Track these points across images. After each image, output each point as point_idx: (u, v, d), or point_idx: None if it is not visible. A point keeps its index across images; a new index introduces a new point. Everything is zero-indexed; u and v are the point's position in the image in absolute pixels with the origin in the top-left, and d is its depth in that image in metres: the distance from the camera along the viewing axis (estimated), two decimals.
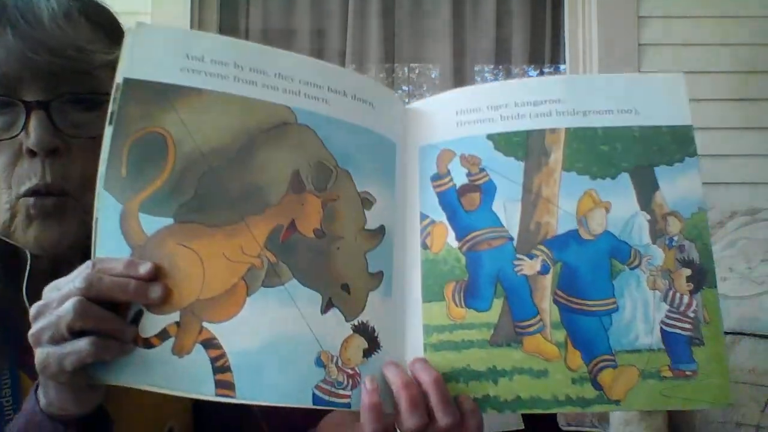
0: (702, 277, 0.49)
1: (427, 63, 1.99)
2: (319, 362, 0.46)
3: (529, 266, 0.49)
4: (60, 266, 0.51)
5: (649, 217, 0.50)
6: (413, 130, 0.56)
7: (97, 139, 0.46)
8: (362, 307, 0.49)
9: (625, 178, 0.51)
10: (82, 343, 0.41)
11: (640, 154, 0.51)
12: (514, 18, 1.91)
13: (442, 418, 0.45)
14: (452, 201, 0.52)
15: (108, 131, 0.46)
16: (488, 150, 0.53)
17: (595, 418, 1.23)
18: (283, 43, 1.91)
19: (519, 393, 0.47)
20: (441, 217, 0.52)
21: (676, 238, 0.50)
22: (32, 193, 0.50)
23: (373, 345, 0.48)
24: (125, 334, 0.43)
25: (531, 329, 0.48)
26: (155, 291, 0.43)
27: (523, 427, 1.19)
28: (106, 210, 0.45)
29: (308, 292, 0.47)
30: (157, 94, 0.47)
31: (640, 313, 0.48)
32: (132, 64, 0.48)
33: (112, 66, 0.47)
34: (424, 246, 0.52)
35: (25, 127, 0.50)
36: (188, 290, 0.45)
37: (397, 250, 0.52)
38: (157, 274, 0.44)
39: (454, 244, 0.51)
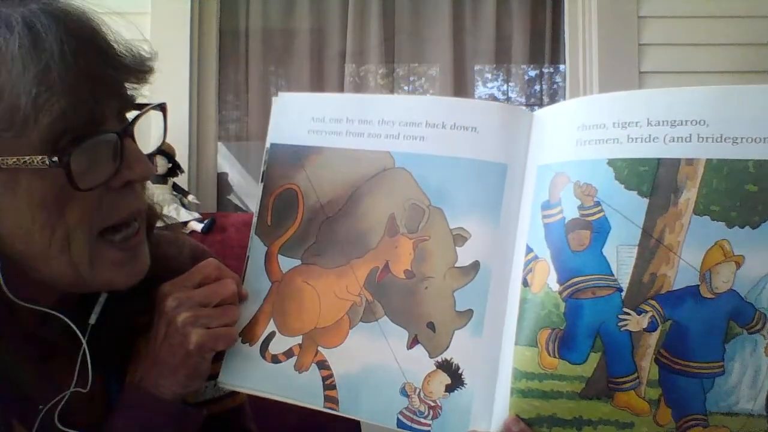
0: None
1: (427, 63, 1.94)
2: (404, 392, 0.51)
3: (636, 323, 0.45)
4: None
5: None
6: (535, 143, 0.49)
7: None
8: (447, 345, 0.50)
9: None
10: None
11: None
12: (514, 18, 1.88)
13: None
14: (559, 236, 0.47)
15: (259, 187, 0.57)
16: (607, 179, 0.46)
17: None
18: (283, 43, 1.89)
19: None
20: (545, 253, 0.47)
21: None
22: (114, 229, 0.47)
23: (456, 382, 0.50)
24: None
25: (626, 386, 0.46)
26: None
27: None
28: (255, 251, 0.56)
29: (397, 328, 0.51)
30: (292, 155, 0.56)
31: (748, 378, 0.45)
32: (275, 129, 0.57)
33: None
34: (525, 283, 0.48)
35: (121, 158, 0.45)
36: (309, 319, 0.53)
37: (494, 285, 0.49)
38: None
39: (555, 286, 0.47)
